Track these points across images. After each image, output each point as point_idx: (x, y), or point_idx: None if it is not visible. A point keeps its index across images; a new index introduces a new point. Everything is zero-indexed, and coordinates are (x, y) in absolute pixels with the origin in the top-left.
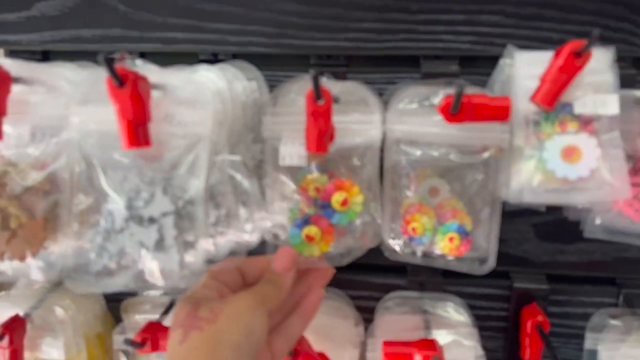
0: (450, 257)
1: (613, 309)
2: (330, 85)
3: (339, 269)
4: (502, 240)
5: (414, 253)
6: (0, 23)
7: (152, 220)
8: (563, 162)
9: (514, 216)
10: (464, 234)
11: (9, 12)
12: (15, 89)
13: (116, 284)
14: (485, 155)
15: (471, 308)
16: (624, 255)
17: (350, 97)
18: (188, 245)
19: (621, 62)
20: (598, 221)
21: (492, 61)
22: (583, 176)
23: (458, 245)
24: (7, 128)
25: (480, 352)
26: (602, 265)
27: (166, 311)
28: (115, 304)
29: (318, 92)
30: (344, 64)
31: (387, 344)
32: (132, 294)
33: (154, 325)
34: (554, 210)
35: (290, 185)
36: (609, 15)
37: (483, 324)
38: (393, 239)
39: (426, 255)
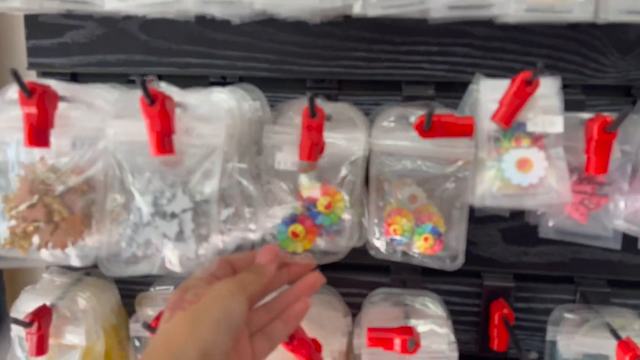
0: (425, 255)
1: (571, 305)
2: (323, 105)
3: (331, 268)
4: (473, 243)
5: (395, 252)
6: (35, 48)
7: (173, 215)
8: (517, 172)
9: (484, 222)
10: (437, 234)
11: (43, 38)
12: (60, 106)
13: (141, 270)
14: (455, 166)
15: (447, 304)
16: (579, 257)
17: (340, 116)
18: (202, 238)
19: (572, 88)
20: (551, 223)
21: (463, 86)
22: (533, 183)
23: (432, 244)
24: (52, 139)
25: (452, 339)
26: (560, 266)
27: None
28: (128, 300)
29: (313, 110)
30: (336, 88)
31: (371, 330)
32: (145, 289)
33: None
34: (517, 216)
35: (287, 191)
36: (563, 49)
37: (457, 318)
38: (377, 239)
39: (405, 253)
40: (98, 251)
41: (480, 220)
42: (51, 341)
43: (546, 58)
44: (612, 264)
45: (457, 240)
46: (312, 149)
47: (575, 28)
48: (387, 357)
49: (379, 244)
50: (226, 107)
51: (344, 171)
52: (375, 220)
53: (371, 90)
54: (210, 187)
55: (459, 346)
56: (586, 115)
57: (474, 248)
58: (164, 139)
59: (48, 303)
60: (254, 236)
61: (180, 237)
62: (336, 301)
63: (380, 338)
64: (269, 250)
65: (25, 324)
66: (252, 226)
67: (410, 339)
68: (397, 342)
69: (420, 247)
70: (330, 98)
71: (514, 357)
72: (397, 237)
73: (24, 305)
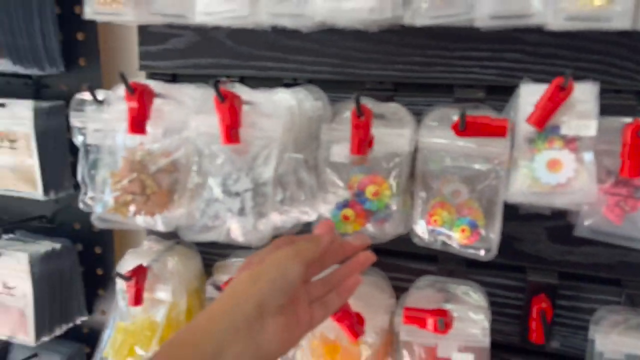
0: (462, 245)
1: (615, 306)
2: (377, 105)
3: (383, 254)
4: (519, 240)
5: (435, 241)
6: (145, 53)
7: (237, 194)
8: (547, 172)
9: (530, 219)
10: (474, 227)
11: (151, 45)
12: (155, 102)
13: (210, 237)
14: (494, 164)
15: (491, 296)
16: (627, 260)
17: (393, 115)
18: (261, 215)
19: (625, 94)
20: (586, 223)
21: (513, 91)
22: (562, 183)
23: (469, 235)
24: (148, 128)
25: (486, 326)
26: (607, 267)
27: None
28: (209, 268)
29: (359, 109)
30: (392, 89)
31: (407, 309)
32: (223, 259)
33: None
34: (562, 216)
35: (339, 182)
36: (614, 54)
37: (501, 310)
38: (420, 228)
39: (445, 243)
40: (179, 220)
41: (526, 217)
42: (145, 295)
43: (598, 64)
44: None
45: (493, 233)
46: (360, 144)
47: (626, 35)
48: (423, 335)
49: (422, 232)
50: (286, 105)
51: (391, 164)
52: (420, 211)
53: (425, 93)
54: (267, 172)
55: (500, 337)
56: (626, 120)
57: (519, 244)
58: (231, 130)
59: (144, 263)
60: (309, 217)
61: (242, 212)
62: (384, 284)
63: (415, 317)
64: (325, 224)
65: (126, 278)
66: (308, 209)
67: (440, 319)
68: (430, 321)
69: (458, 238)
70: (386, 99)
71: (552, 350)
72: (438, 228)
73: (127, 265)
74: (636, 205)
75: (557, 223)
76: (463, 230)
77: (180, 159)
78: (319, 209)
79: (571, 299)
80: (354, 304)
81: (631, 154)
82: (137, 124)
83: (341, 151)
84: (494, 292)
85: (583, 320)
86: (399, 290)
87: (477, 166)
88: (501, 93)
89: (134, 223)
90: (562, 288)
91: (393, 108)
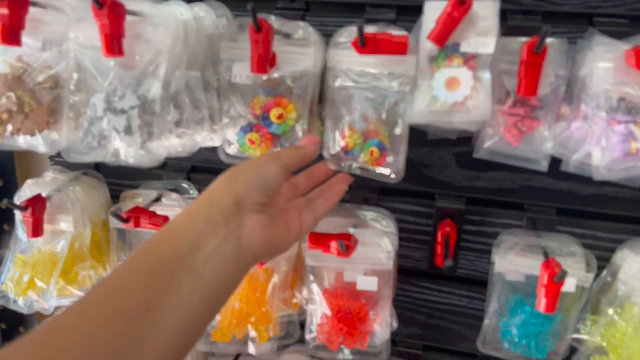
0: (371, 168)
1: (516, 229)
2: (286, 24)
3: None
4: (428, 166)
5: (346, 165)
6: None
7: (122, 111)
8: (446, 90)
9: (439, 145)
10: (382, 148)
11: None
12: (31, 10)
13: (95, 157)
14: (399, 83)
15: (400, 222)
16: (529, 184)
17: (300, 34)
18: (151, 135)
19: (532, 15)
20: (486, 145)
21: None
22: (458, 101)
23: (377, 157)
24: (25, 39)
25: (390, 249)
26: (510, 192)
27: (154, 201)
28: (117, 200)
29: (256, 23)
30: (303, 8)
31: (312, 234)
32: (131, 187)
33: (138, 209)
34: (470, 141)
35: (242, 105)
36: None
37: (410, 236)
38: (331, 152)
39: (355, 167)
40: (61, 141)
41: (434, 143)
42: (46, 227)
43: None
44: (561, 193)
45: (399, 156)
46: (260, 61)
47: None
48: (329, 260)
49: (332, 156)
50: (179, 18)
51: (296, 85)
52: (330, 135)
53: (336, 13)
54: (155, 88)
55: (411, 263)
56: (525, 39)
57: (428, 170)
58: (113, 41)
59: (44, 194)
60: (213, 142)
61: (128, 131)
62: None
63: (319, 241)
64: (310, 138)
65: (20, 208)
66: (212, 135)
67: (340, 242)
68: (333, 245)
69: (368, 160)
70: (298, 19)
71: (463, 276)
72: (349, 150)
73: (25, 195)
74: (532, 126)
75: (465, 149)
76: (372, 153)
77: (61, 74)
78: (225, 134)
79: (477, 224)
80: None
81: (527, 72)
82: (10, 33)
83: (242, 71)
84: (404, 219)
85: (488, 245)
86: None
87: (383, 87)
88: (413, 13)
89: (14, 144)
90: (469, 213)
91: (300, 27)
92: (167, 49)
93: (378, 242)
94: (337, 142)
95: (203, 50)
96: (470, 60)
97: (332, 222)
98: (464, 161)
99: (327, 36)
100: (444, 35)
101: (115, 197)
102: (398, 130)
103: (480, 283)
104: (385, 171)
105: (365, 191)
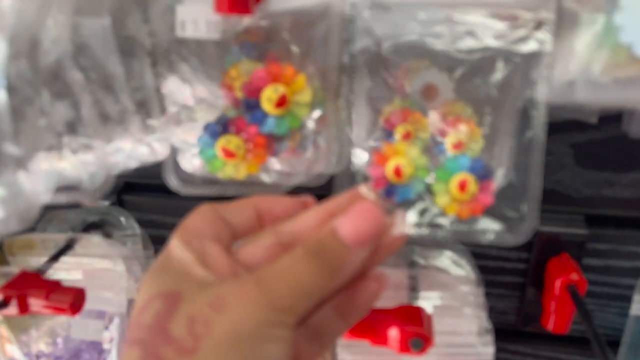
0: (460, 221)
1: None
2: None
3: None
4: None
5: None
6: None
7: None
8: None
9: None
10: (482, 173)
11: None
12: None
13: None
14: (515, 29)
15: (477, 258)
16: None
17: None
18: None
19: None
20: None
21: None
22: None
23: (474, 195)
24: None
25: (485, 323)
26: None
27: (62, 251)
28: None
29: None
30: None
31: None
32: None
33: (27, 278)
34: (608, 122)
35: (206, 77)
36: None
37: (492, 278)
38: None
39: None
40: None
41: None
42: None
43: None
44: None
45: (519, 174)
46: None
47: None
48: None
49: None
50: None
51: (307, 37)
52: (363, 134)
53: None
54: None
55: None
56: None
57: None
58: None
59: None
60: (150, 156)
61: None
62: None
63: (365, 326)
64: (369, 210)
65: None
66: (144, 136)
67: (415, 340)
68: (394, 335)
69: (450, 206)
70: None
71: (577, 335)
72: (397, 184)
73: None
74: None
75: (593, 136)
76: (462, 186)
77: None
78: (174, 137)
79: (603, 256)
80: None
81: None
82: None
83: (198, 13)
84: (480, 253)
85: (622, 287)
86: None
87: (473, 35)
88: None
89: None
90: (591, 240)
91: None
92: None
93: (461, 309)
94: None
95: None
96: None
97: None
98: (590, 157)
99: None
100: None
101: None
102: (513, 126)
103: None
104: (491, 228)
105: None
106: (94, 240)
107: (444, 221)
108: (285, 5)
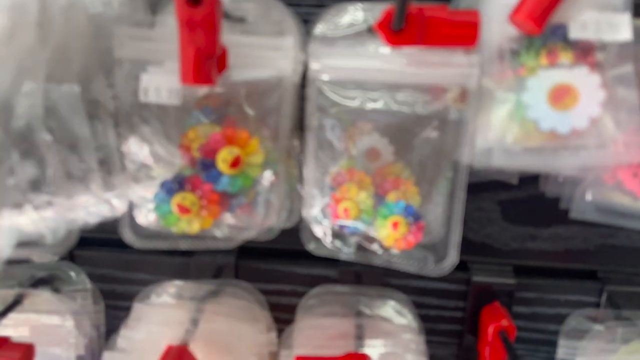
0: (394, 252)
1: (594, 310)
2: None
3: (247, 255)
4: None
5: (345, 245)
6: None
7: None
8: (551, 109)
9: (476, 191)
10: (413, 216)
11: None
12: None
13: None
14: (443, 101)
15: (418, 307)
16: (609, 243)
17: (262, 17)
18: None
19: None
20: (589, 197)
21: None
22: (579, 128)
23: (405, 233)
24: None
25: None
26: (582, 255)
27: (10, 307)
28: None
29: None
30: None
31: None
32: None
33: None
34: (527, 182)
35: (161, 141)
36: None
37: (432, 326)
38: (317, 222)
39: (362, 248)
40: None
41: (470, 188)
42: None
43: None
44: None
45: (445, 224)
46: (199, 60)
47: None
48: None
49: (321, 230)
50: None
51: (263, 105)
52: (315, 191)
53: None
54: None
55: None
56: None
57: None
58: None
59: None
60: (109, 211)
61: None
62: (255, 306)
63: None
64: None
65: None
66: (104, 193)
67: None
68: None
69: (387, 239)
70: None
71: None
72: (349, 223)
73: None
74: None
75: (517, 194)
76: (395, 225)
77: None
78: (132, 194)
79: (531, 304)
80: (206, 349)
81: None
82: None
83: (162, 81)
84: (422, 302)
85: (548, 333)
86: (281, 311)
87: (408, 105)
88: None
89: None
90: (520, 289)
91: (263, 5)
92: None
93: (405, 357)
94: (325, 205)
95: (83, 44)
96: (588, 54)
97: (319, 325)
98: (514, 213)
99: (305, 21)
100: (544, 12)
101: None
102: (442, 182)
103: None
104: (420, 257)
105: (363, 264)
106: (43, 295)
107: (380, 251)
108: (244, 76)
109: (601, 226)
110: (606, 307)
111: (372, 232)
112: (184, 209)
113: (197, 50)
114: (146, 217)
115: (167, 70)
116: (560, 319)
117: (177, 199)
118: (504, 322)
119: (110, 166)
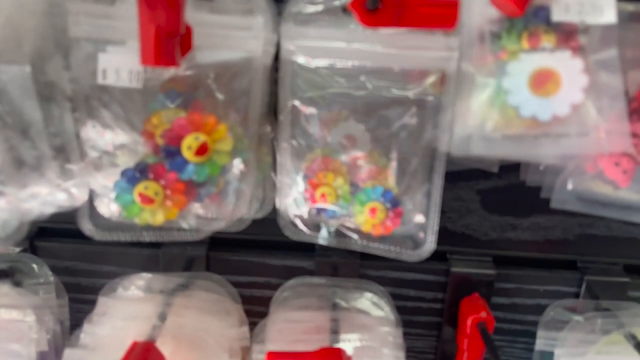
0: (372, 238)
1: (573, 301)
2: None
3: (218, 246)
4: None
5: (323, 231)
6: None
7: None
8: (532, 94)
9: (455, 180)
10: (391, 202)
11: None
12: None
13: None
14: (421, 86)
15: (396, 299)
16: (588, 232)
17: None
18: None
19: None
20: (570, 186)
21: None
22: (561, 115)
23: (383, 219)
24: None
25: None
26: (562, 245)
27: None
28: None
29: None
30: None
31: (272, 355)
32: None
33: None
34: (508, 171)
35: (125, 124)
36: None
37: (410, 318)
38: (295, 209)
39: (341, 234)
40: None
41: (448, 176)
42: None
43: None
44: (633, 244)
45: (422, 211)
46: (160, 40)
47: None
48: None
49: (298, 215)
50: None
51: (231, 88)
52: (288, 179)
53: None
54: None
55: (410, 356)
56: None
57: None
58: None
59: None
60: (67, 201)
61: None
62: (227, 300)
63: None
64: None
65: None
66: (62, 182)
67: None
68: None
69: (365, 224)
70: None
71: None
72: (328, 207)
73: None
74: None
75: (497, 183)
76: (373, 211)
77: None
78: (92, 183)
79: (511, 294)
80: (177, 345)
81: None
82: None
83: (122, 60)
84: (400, 293)
85: (527, 324)
86: (255, 304)
87: (385, 89)
88: None
89: None
90: (499, 279)
91: None
92: None
93: (381, 350)
94: (301, 191)
95: (35, 23)
96: (571, 37)
97: (294, 318)
98: (494, 202)
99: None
100: None
101: None
102: (420, 169)
103: None
104: (398, 243)
105: (337, 254)
106: (3, 289)
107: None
108: (211, 58)
109: (581, 216)
110: (585, 297)
111: (350, 218)
112: (146, 199)
113: (158, 28)
114: (108, 207)
115: (128, 50)
116: (540, 310)
117: (140, 188)
118: (483, 314)
119: (68, 153)
